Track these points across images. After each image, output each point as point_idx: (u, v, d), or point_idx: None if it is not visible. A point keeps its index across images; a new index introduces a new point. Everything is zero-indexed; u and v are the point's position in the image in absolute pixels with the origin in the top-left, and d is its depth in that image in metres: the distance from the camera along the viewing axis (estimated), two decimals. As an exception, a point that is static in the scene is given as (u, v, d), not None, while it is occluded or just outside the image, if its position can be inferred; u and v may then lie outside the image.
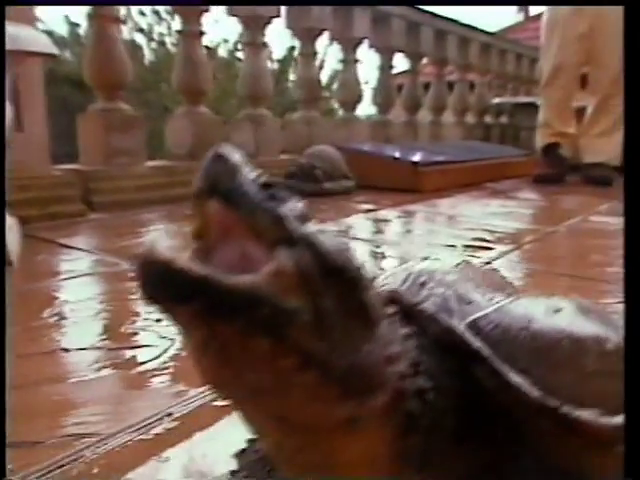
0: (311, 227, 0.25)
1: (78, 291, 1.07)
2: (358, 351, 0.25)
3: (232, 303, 0.22)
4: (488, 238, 1.59)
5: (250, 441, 0.45)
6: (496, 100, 4.27)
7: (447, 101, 3.79)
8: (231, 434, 0.50)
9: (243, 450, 0.45)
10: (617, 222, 1.77)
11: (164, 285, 0.22)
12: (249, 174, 0.25)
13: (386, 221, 1.93)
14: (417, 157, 2.64)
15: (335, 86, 4.30)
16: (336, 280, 0.25)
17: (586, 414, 0.30)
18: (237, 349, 0.23)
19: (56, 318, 0.91)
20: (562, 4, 2.69)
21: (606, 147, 2.67)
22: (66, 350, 0.79)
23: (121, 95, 1.98)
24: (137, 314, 0.93)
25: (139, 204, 1.84)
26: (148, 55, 6.77)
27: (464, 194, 2.49)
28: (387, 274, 0.39)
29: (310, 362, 0.24)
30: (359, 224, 1.87)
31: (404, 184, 2.48)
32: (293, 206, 0.25)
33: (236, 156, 0.25)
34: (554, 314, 0.34)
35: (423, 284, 0.35)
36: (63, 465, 0.52)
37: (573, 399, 0.30)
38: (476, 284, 0.37)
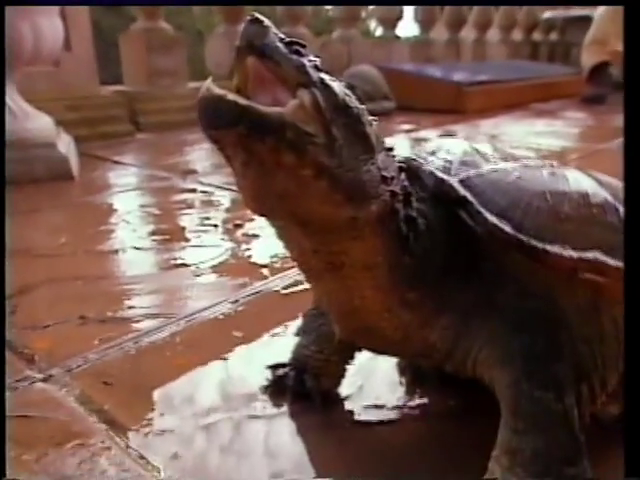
0: (324, 74, 0.32)
1: (135, 202, 1.14)
2: (359, 169, 0.32)
3: (266, 126, 0.28)
4: (532, 156, 1.58)
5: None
6: (546, 14, 4.03)
7: (493, 16, 3.63)
8: (284, 318, 0.58)
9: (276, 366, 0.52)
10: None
11: (219, 112, 0.28)
12: (278, 34, 0.31)
13: (427, 141, 1.92)
14: (460, 77, 2.58)
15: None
16: (343, 113, 0.31)
17: (552, 247, 0.35)
18: (269, 163, 0.29)
19: (122, 223, 0.99)
20: (562, 4, 2.51)
21: None
22: (136, 248, 0.86)
23: (161, 14, 1.98)
24: (191, 221, 1.00)
25: (182, 125, 1.88)
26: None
27: (508, 115, 2.44)
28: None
29: (323, 173, 0.30)
30: (400, 144, 1.87)
31: (446, 105, 2.45)
32: (311, 58, 0.31)
33: (267, 20, 0.31)
34: (548, 175, 0.39)
35: (433, 152, 0.41)
36: (150, 336, 0.60)
37: (543, 236, 0.35)
38: (492, 156, 0.42)
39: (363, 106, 0.33)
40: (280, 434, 0.45)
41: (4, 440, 0.40)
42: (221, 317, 0.64)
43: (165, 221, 1.02)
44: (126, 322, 0.63)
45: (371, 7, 5.49)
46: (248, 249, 0.86)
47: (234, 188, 1.18)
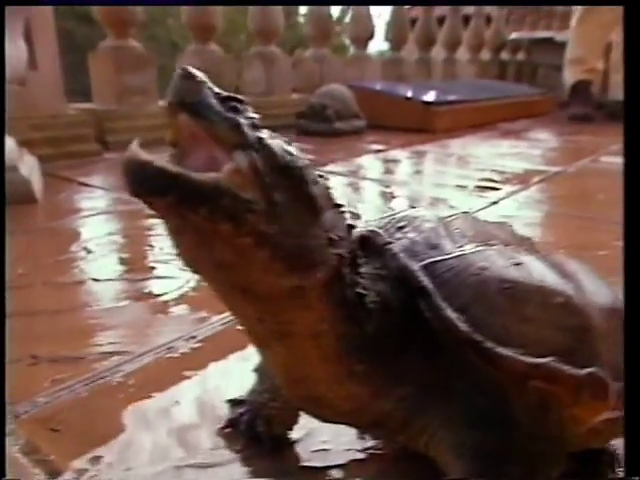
0: (263, 133, 0.30)
1: (100, 227, 1.13)
2: (304, 234, 0.31)
3: (199, 195, 0.27)
4: (496, 179, 1.62)
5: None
6: (513, 35, 4.13)
7: (462, 36, 3.71)
8: (241, 356, 0.58)
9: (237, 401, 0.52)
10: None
11: (145, 181, 0.27)
12: (211, 89, 0.29)
13: (396, 161, 1.95)
14: (429, 96, 2.63)
15: (347, 20, 4.19)
16: (284, 175, 0.30)
17: (505, 351, 0.34)
18: (205, 232, 0.28)
19: (83, 252, 0.98)
20: (563, 4, 2.58)
21: None
22: (96, 280, 0.86)
23: (131, 32, 1.97)
24: (157, 249, 1.00)
25: (152, 144, 1.86)
26: (154, -12, 6.55)
27: (476, 134, 2.49)
28: (376, 217, 0.43)
29: (263, 241, 0.29)
30: (370, 164, 1.90)
31: (416, 124, 2.49)
32: (248, 116, 0.30)
33: (200, 73, 0.29)
34: (512, 267, 0.38)
35: (401, 228, 0.40)
36: (104, 377, 0.60)
37: (500, 338, 0.35)
38: (461, 234, 0.41)
39: (305, 161, 0.32)
40: (229, 482, 0.45)
41: (4, 440, 0.41)
42: (177, 355, 0.64)
43: (129, 249, 1.01)
44: (80, 362, 0.62)
45: (345, 23, 5.54)
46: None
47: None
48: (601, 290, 0.43)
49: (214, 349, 0.66)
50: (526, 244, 0.46)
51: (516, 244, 0.43)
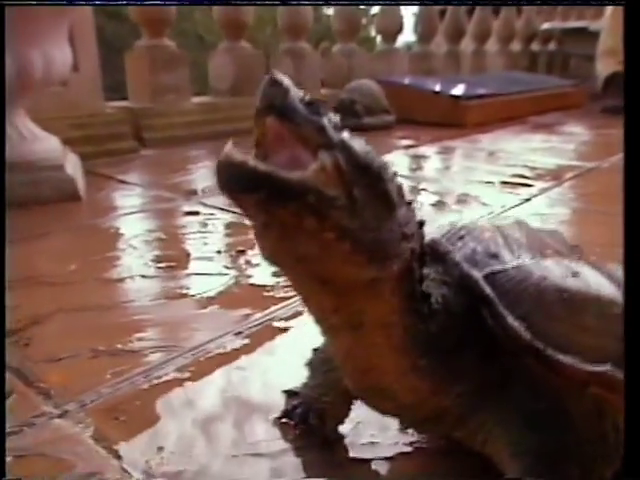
0: (345, 134, 0.32)
1: (140, 225, 1.17)
2: (381, 228, 0.32)
3: (288, 192, 0.29)
4: (528, 175, 1.61)
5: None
6: (545, 25, 4.04)
7: (492, 27, 3.66)
8: (288, 350, 0.62)
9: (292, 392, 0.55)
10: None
11: (239, 179, 0.29)
12: (297, 94, 0.31)
13: (425, 157, 1.96)
14: (458, 90, 2.61)
15: (373, 12, 4.17)
16: (364, 174, 0.32)
17: (566, 358, 0.36)
18: (290, 227, 0.30)
19: (129, 249, 1.02)
20: (564, 4, 2.53)
21: None
22: (142, 276, 0.89)
23: (165, 32, 2.01)
24: (196, 246, 1.03)
25: (187, 140, 1.92)
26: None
27: (506, 128, 2.48)
28: (438, 226, 0.46)
29: (345, 235, 0.31)
30: (399, 160, 1.90)
31: (445, 118, 2.48)
32: (330, 118, 0.32)
33: (287, 80, 0.31)
34: (570, 277, 0.40)
35: (461, 237, 0.42)
36: (160, 370, 0.63)
37: (559, 346, 0.36)
38: (517, 243, 0.43)
39: (383, 160, 0.34)
40: (285, 470, 0.48)
41: (4, 440, 0.41)
42: (227, 350, 0.67)
43: (170, 247, 1.05)
44: (136, 355, 0.66)
45: (373, 15, 5.52)
46: (250, 276, 0.89)
47: (235, 210, 1.21)
48: None
49: (261, 344, 0.69)
50: (577, 252, 0.47)
51: (567, 252, 0.45)
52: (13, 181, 1.21)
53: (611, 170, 1.70)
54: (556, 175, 1.60)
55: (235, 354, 0.67)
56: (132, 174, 1.59)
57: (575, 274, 0.40)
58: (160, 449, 0.51)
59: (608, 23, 2.78)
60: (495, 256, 0.40)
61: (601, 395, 0.37)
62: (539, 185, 1.49)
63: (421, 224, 0.37)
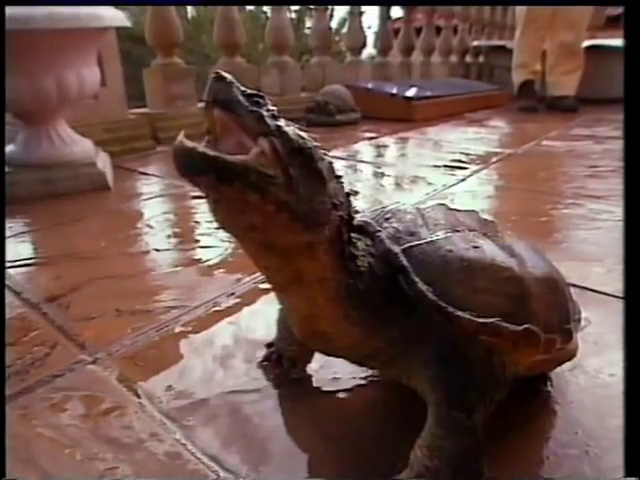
0: (281, 122, 0.30)
1: (157, 208, 1.15)
2: (314, 200, 0.31)
3: (233, 173, 0.27)
4: (464, 159, 1.60)
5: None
6: (474, 43, 3.99)
7: (435, 43, 3.58)
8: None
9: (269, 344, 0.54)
10: (561, 145, 1.76)
11: (191, 163, 0.27)
12: (239, 88, 0.29)
13: (385, 146, 1.93)
14: (410, 93, 2.56)
15: (344, 30, 4.05)
16: (298, 155, 0.30)
17: (462, 314, 0.35)
18: (237, 202, 0.29)
19: (146, 228, 0.99)
20: (561, 4, 2.47)
21: (570, 83, 2.64)
22: (157, 250, 0.88)
23: (175, 52, 1.93)
24: (201, 224, 1.01)
25: (193, 137, 1.86)
26: (190, 11, 6.36)
27: (447, 123, 2.44)
28: (370, 209, 0.44)
29: (283, 207, 0.29)
30: (364, 149, 1.88)
31: (400, 115, 2.44)
32: (268, 108, 0.30)
33: (229, 76, 0.29)
34: (471, 249, 0.39)
35: (387, 219, 0.41)
36: (169, 326, 0.62)
37: (458, 304, 0.36)
38: (434, 223, 0.41)
39: (313, 143, 0.32)
40: (266, 402, 0.48)
41: (4, 440, 0.39)
42: (221, 308, 0.67)
43: (180, 225, 1.03)
44: (150, 314, 0.65)
45: (342, 34, 5.36)
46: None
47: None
48: (540, 264, 0.44)
49: (248, 302, 0.68)
50: (489, 227, 0.45)
51: (480, 229, 0.43)
52: (59, 177, 1.20)
53: (524, 155, 1.70)
54: (484, 159, 1.59)
55: (228, 311, 0.66)
56: (150, 167, 1.54)
57: (476, 247, 0.39)
58: (169, 387, 0.50)
59: (518, 43, 2.77)
60: (413, 234, 0.39)
61: (489, 341, 0.37)
62: (472, 168, 1.48)
63: (348, 194, 0.35)
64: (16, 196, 1.14)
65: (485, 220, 0.48)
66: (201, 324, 0.63)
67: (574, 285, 0.64)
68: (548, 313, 0.40)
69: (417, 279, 0.36)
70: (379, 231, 0.39)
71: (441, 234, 0.40)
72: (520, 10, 2.69)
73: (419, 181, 1.35)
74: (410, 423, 0.39)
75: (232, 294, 0.70)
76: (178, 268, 0.80)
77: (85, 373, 0.53)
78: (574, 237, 0.93)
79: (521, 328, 0.37)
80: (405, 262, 0.37)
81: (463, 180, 1.34)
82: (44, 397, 0.49)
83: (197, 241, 0.92)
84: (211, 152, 0.27)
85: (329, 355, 0.44)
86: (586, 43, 2.47)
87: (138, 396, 0.49)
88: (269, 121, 0.29)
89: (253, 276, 0.75)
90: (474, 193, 1.22)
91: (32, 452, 0.42)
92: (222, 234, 0.94)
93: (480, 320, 0.36)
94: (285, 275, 0.34)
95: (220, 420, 0.46)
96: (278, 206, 0.29)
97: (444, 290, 0.36)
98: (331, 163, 0.33)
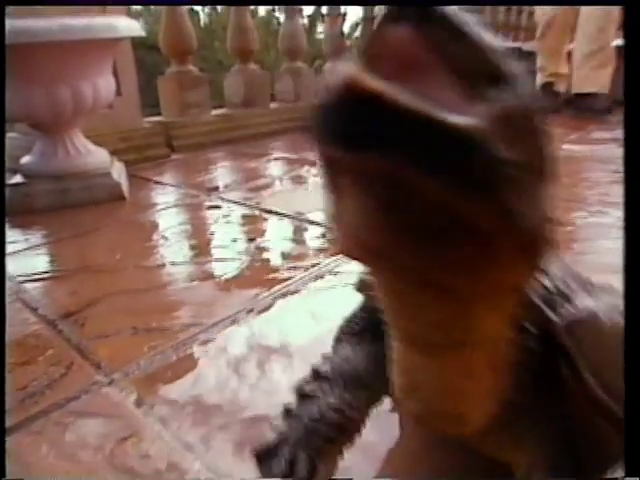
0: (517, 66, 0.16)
1: (172, 218, 1.13)
2: (541, 209, 0.18)
3: (450, 150, 0.14)
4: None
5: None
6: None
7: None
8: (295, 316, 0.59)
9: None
10: (582, 149, 1.72)
11: (372, 119, 0.13)
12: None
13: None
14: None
15: (356, 34, 4.04)
16: (536, 132, 0.17)
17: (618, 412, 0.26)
18: (430, 209, 0.15)
19: (162, 240, 0.98)
20: (561, 4, 2.42)
21: (600, 79, 2.55)
22: (173, 263, 0.86)
23: (189, 59, 1.94)
24: (216, 236, 1.00)
25: (208, 145, 1.86)
26: (203, 19, 6.42)
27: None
28: None
29: (509, 219, 0.16)
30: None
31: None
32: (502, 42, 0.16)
33: None
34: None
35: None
36: (186, 345, 0.61)
37: (610, 392, 0.26)
38: (582, 282, 0.30)
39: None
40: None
41: (4, 440, 0.38)
42: (241, 325, 0.65)
43: (195, 237, 1.02)
44: (167, 332, 0.64)
45: (354, 39, 5.35)
46: (258, 261, 0.86)
47: (247, 203, 1.18)
48: None
49: (270, 320, 0.66)
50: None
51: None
52: (74, 187, 1.20)
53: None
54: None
55: (248, 329, 0.64)
56: (165, 175, 1.54)
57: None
58: (187, 413, 0.49)
59: (537, 46, 2.74)
60: (566, 296, 0.28)
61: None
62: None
63: None
64: (32, 207, 1.15)
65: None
66: (219, 344, 0.61)
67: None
68: None
69: (582, 363, 0.26)
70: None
71: (602, 296, 0.29)
72: (542, 13, 2.65)
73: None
74: None
75: (251, 310, 0.68)
76: (194, 283, 0.79)
77: (101, 396, 0.52)
78: (600, 247, 0.89)
79: None
80: (569, 341, 0.26)
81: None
82: (58, 422, 0.48)
83: (213, 254, 0.91)
84: (418, 102, 0.14)
85: (442, 437, 0.34)
86: (616, 42, 2.40)
87: (155, 421, 0.47)
88: (509, 63, 0.16)
89: (271, 291, 0.73)
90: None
91: (46, 483, 0.41)
92: (238, 246, 0.93)
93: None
94: (445, 335, 0.22)
95: (244, 449, 0.44)
96: (503, 216, 0.16)
97: (609, 383, 0.26)
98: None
